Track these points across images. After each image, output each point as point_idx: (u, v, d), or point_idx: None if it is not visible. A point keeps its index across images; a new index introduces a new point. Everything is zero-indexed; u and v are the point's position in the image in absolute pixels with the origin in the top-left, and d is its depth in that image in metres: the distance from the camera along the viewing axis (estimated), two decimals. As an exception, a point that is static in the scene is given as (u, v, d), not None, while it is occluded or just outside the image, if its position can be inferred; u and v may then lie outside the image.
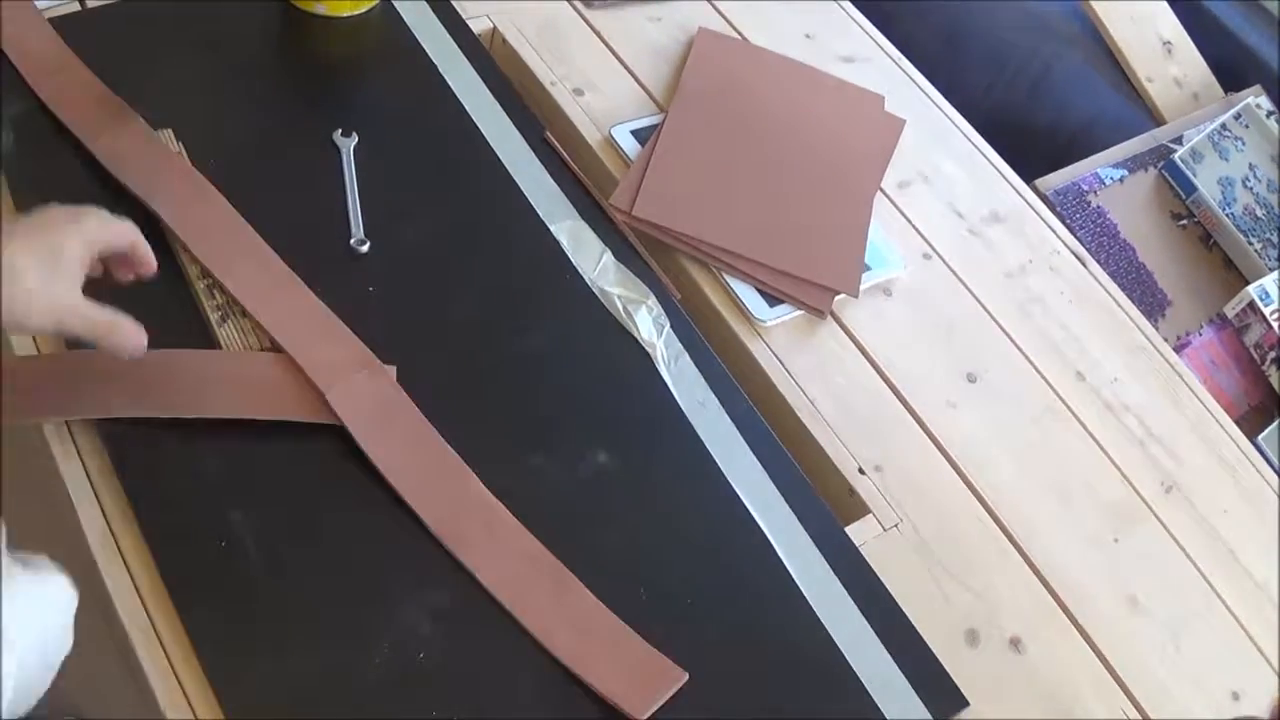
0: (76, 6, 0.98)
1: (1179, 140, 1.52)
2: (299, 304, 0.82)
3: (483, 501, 0.76)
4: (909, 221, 1.10)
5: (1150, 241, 1.43)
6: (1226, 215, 1.46)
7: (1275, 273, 1.40)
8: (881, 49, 1.26)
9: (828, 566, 0.81)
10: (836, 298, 0.99)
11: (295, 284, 0.83)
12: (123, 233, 0.70)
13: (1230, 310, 1.39)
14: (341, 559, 0.73)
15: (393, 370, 0.81)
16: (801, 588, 0.79)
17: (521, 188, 0.96)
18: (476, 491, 0.76)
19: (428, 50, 1.04)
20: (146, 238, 0.72)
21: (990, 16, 1.65)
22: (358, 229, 0.89)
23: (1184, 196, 1.48)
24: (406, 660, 0.69)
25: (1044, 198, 1.31)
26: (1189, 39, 1.66)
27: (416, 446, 0.77)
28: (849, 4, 1.29)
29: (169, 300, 0.81)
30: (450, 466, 0.77)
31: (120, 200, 0.84)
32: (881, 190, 1.11)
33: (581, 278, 0.92)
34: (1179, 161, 1.47)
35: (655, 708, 0.70)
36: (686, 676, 0.72)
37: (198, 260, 0.82)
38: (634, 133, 1.05)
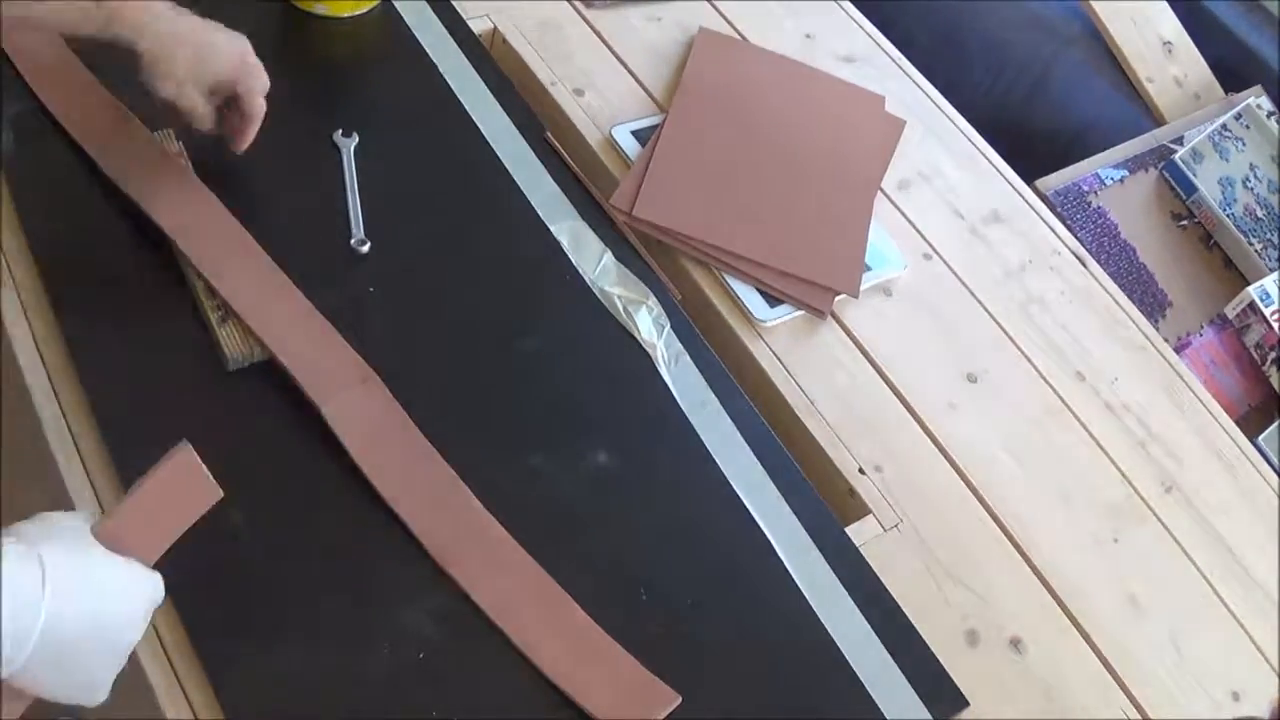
0: (77, 6, 0.98)
1: (1179, 140, 1.52)
2: (296, 313, 0.81)
3: (480, 522, 0.75)
4: (909, 221, 1.10)
5: (1150, 242, 1.43)
6: (1227, 215, 1.46)
7: (1276, 273, 1.41)
8: (881, 49, 1.26)
9: (828, 566, 0.81)
10: (837, 298, 0.99)
11: (292, 293, 0.82)
12: (254, 102, 0.84)
13: (1231, 311, 1.39)
14: (342, 559, 0.73)
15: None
16: (801, 588, 0.79)
17: (521, 188, 0.96)
18: (474, 511, 0.75)
19: (428, 50, 1.04)
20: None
21: (990, 16, 1.65)
22: (358, 229, 0.89)
23: (1184, 197, 1.48)
24: (406, 660, 0.69)
25: (1044, 198, 1.31)
26: (1189, 39, 1.66)
27: (414, 465, 0.76)
28: (849, 4, 1.29)
29: (169, 299, 0.81)
30: (448, 486, 0.76)
31: (119, 203, 0.84)
32: (881, 190, 1.11)
33: (582, 278, 0.92)
34: (1179, 162, 1.47)
35: None
36: (679, 699, 0.71)
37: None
38: (634, 133, 1.05)
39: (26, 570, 0.52)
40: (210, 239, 0.83)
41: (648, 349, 0.89)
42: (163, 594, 0.60)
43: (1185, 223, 1.47)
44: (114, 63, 0.92)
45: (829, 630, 0.78)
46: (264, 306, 0.80)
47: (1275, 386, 1.36)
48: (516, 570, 0.74)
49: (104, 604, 0.55)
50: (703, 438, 0.85)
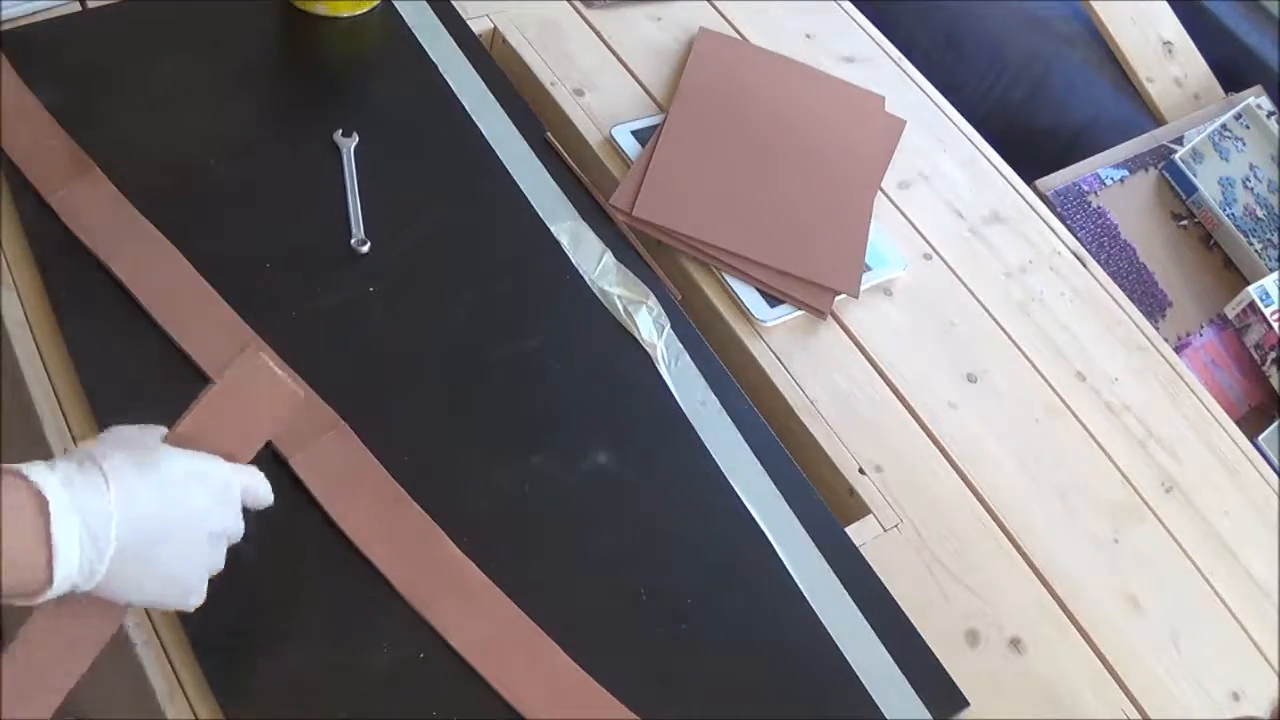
0: (77, 7, 0.98)
1: (1179, 140, 1.52)
2: None
3: (454, 563, 0.74)
4: (909, 221, 1.10)
5: (1150, 242, 1.43)
6: (1227, 215, 1.46)
7: (1276, 273, 1.41)
8: (882, 49, 1.26)
9: (828, 566, 0.81)
10: (837, 298, 0.99)
11: (256, 344, 0.80)
12: None
13: (1231, 311, 1.39)
14: (341, 559, 0.73)
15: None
16: (801, 588, 0.80)
17: (522, 188, 0.96)
18: (448, 553, 0.74)
19: (428, 50, 1.04)
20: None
21: (990, 17, 1.65)
22: (358, 229, 0.89)
23: (1184, 197, 1.48)
24: (406, 660, 0.69)
25: (1044, 198, 1.31)
26: (1189, 39, 1.66)
27: (385, 510, 0.75)
28: (849, 4, 1.30)
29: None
30: (420, 529, 0.75)
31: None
32: (882, 190, 1.11)
33: (582, 278, 0.92)
34: (1179, 162, 1.47)
35: None
36: None
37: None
38: (634, 133, 1.05)
39: (89, 477, 0.53)
40: (173, 294, 0.80)
41: (648, 349, 0.89)
42: (262, 485, 0.61)
43: (1185, 223, 1.47)
44: (115, 63, 0.93)
45: (829, 630, 0.78)
46: (228, 362, 0.78)
47: (1275, 386, 1.36)
48: (494, 614, 0.73)
49: (177, 495, 0.56)
50: (703, 438, 0.85)
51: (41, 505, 0.50)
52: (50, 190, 0.84)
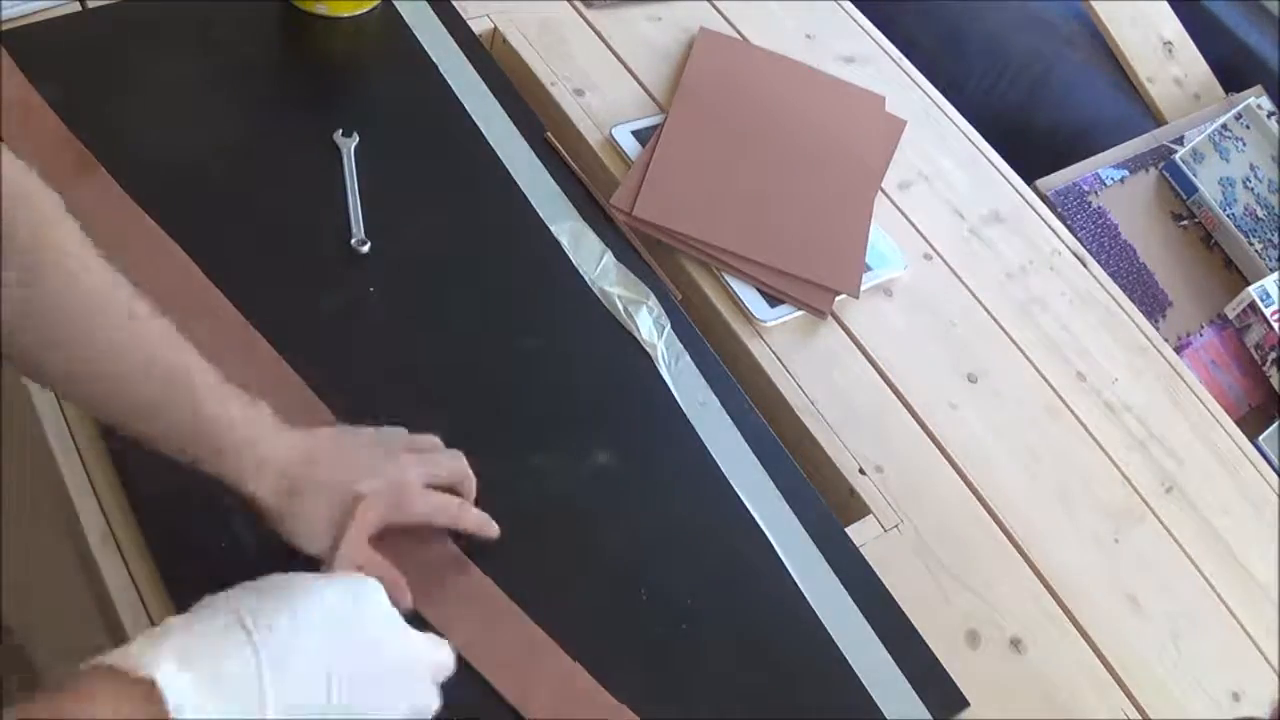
0: (77, 6, 0.98)
1: (1180, 140, 1.52)
2: (261, 365, 0.79)
3: (454, 563, 0.74)
4: (909, 221, 1.10)
5: (1151, 242, 1.43)
6: (1227, 216, 1.46)
7: (1276, 273, 1.41)
8: (882, 49, 1.26)
9: (828, 566, 0.81)
10: (837, 298, 0.99)
11: (258, 343, 0.80)
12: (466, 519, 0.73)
13: (1231, 311, 1.39)
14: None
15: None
16: (801, 588, 0.79)
17: (522, 188, 0.96)
18: (448, 553, 0.74)
19: (428, 50, 1.04)
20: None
21: (991, 16, 1.65)
22: (358, 229, 0.89)
23: (1185, 197, 1.48)
24: (406, 660, 0.69)
25: (1045, 198, 1.31)
26: (1189, 39, 1.66)
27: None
28: (849, 4, 1.30)
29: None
30: (419, 529, 0.74)
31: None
32: (882, 190, 1.11)
33: (582, 278, 0.92)
34: (1180, 162, 1.47)
35: None
36: None
37: None
38: (634, 133, 1.05)
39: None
40: (177, 293, 0.79)
41: (648, 349, 0.89)
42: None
43: (1185, 223, 1.47)
44: (115, 63, 0.93)
45: (829, 630, 0.78)
46: (228, 360, 0.76)
47: (1275, 386, 1.36)
48: (495, 614, 0.72)
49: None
50: (703, 438, 0.85)
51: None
52: (54, 189, 0.84)
